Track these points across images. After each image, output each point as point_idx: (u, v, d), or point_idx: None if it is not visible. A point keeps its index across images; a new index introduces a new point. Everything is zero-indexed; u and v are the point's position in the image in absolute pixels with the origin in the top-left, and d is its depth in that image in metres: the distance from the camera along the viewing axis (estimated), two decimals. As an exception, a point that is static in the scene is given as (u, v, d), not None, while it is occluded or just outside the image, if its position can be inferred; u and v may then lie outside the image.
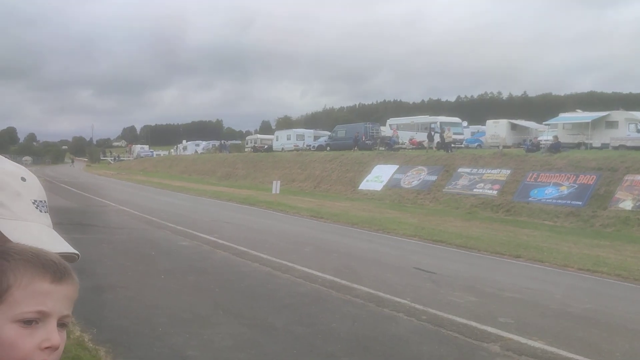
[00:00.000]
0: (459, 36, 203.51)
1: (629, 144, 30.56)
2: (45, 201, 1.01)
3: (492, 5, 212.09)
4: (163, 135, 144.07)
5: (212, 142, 77.17)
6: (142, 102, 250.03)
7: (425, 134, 40.67)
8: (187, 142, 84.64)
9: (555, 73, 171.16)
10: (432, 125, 38.65)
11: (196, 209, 21.80)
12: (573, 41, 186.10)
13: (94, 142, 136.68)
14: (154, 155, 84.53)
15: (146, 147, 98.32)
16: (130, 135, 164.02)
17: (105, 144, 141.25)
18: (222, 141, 73.75)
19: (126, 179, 46.30)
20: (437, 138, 35.30)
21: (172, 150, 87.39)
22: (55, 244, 0.94)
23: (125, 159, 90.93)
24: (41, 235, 0.92)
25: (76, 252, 0.96)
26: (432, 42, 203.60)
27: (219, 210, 21.70)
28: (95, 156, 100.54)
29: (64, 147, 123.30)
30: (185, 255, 11.08)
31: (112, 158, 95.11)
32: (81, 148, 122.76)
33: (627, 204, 19.23)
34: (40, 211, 0.98)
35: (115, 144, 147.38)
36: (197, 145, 77.95)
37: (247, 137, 72.79)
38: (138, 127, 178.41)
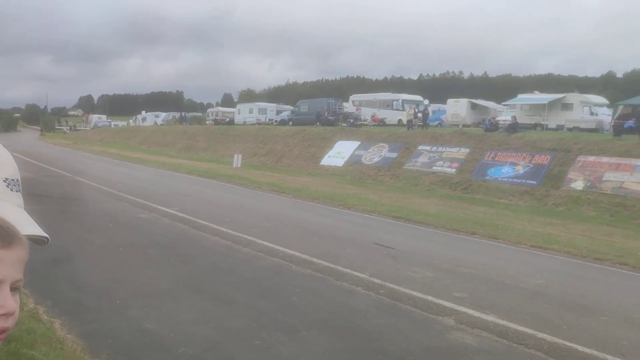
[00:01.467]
0: (426, 17, 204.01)
1: (582, 126, 31.57)
2: (18, 180, 0.95)
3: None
4: (121, 105, 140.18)
5: (172, 114, 75.60)
6: (100, 70, 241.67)
7: (388, 110, 40.97)
8: (146, 113, 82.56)
9: (516, 55, 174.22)
10: (417, 104, 38.69)
11: (155, 181, 21.46)
12: (536, 25, 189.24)
13: (49, 111, 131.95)
14: (112, 126, 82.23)
15: (104, 117, 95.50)
16: (87, 105, 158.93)
17: (60, 113, 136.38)
18: (183, 113, 72.26)
19: (83, 150, 45.01)
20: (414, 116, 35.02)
21: (130, 121, 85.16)
22: (25, 225, 0.90)
23: (81, 128, 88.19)
24: (10, 215, 0.89)
25: (46, 235, 0.93)
26: (400, 21, 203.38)
27: (178, 183, 21.42)
28: (50, 125, 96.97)
29: (16, 114, 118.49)
30: (144, 228, 10.93)
31: (68, 127, 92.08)
32: (35, 116, 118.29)
33: (579, 184, 19.94)
34: (12, 190, 0.93)
35: (72, 113, 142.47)
36: (157, 116, 76.19)
37: (209, 110, 71.62)
38: (95, 97, 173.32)
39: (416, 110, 34.80)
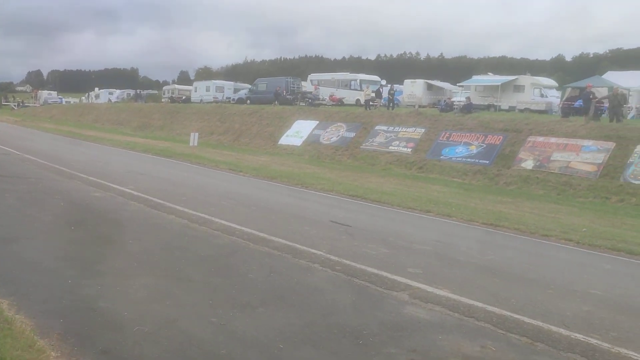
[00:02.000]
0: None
1: (533, 107, 32.52)
2: None
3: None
4: (73, 81, 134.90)
5: (127, 91, 73.49)
6: (50, 45, 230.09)
7: (346, 90, 41.01)
8: (99, 90, 79.95)
9: (472, 37, 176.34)
10: (382, 84, 38.61)
11: (110, 160, 20.93)
12: (492, 8, 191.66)
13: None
14: (63, 102, 79.33)
15: (54, 93, 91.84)
16: (37, 81, 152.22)
17: (7, 89, 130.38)
18: (138, 90, 70.48)
19: (32, 127, 43.29)
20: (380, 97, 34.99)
21: (83, 97, 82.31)
22: None
23: (30, 105, 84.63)
24: None
25: None
26: (359, 1, 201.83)
27: (134, 161, 20.96)
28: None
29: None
30: (97, 207, 10.69)
31: (15, 104, 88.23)
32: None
33: (529, 164, 20.61)
34: None
35: (19, 88, 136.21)
36: (111, 93, 73.94)
37: (165, 87, 69.92)
38: (45, 72, 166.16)
39: (382, 90, 34.87)
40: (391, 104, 32.96)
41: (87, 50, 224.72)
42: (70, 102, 79.88)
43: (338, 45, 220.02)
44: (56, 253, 7.24)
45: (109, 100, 69.64)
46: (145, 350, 4.48)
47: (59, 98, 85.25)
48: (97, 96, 75.92)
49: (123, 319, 5.10)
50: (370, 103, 33.55)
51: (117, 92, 74.19)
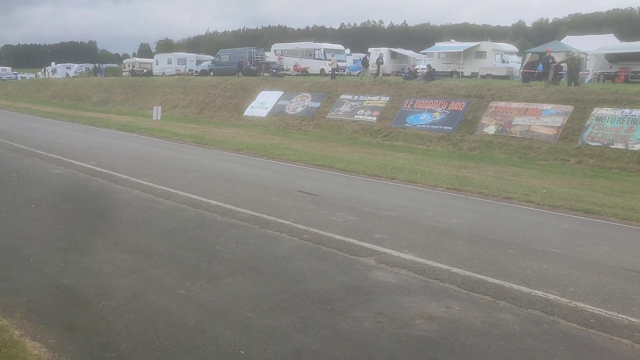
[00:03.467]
0: None
1: (495, 73, 32.92)
2: None
3: None
4: (28, 56, 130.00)
5: (85, 65, 71.20)
6: (2, 18, 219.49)
7: (311, 60, 40.63)
8: (56, 64, 77.24)
9: (434, 5, 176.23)
10: (370, 52, 38.03)
11: (70, 136, 20.37)
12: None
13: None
14: (19, 78, 76.41)
15: (8, 69, 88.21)
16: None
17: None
18: (97, 64, 68.28)
19: (-16, 104, 41.70)
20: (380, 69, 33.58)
21: (39, 73, 79.40)
22: None
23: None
24: None
25: None
26: None
27: (95, 137, 20.45)
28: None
29: None
30: (58, 184, 10.44)
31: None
32: None
33: (491, 129, 20.95)
34: None
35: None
36: (69, 68, 71.55)
37: (125, 61, 67.98)
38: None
39: (369, 59, 34.49)
40: (380, 75, 32.13)
41: (42, 23, 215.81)
42: (25, 77, 76.98)
43: (302, 15, 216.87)
44: (16, 232, 7.07)
45: (67, 75, 67.40)
46: (112, 325, 4.46)
47: (14, 74, 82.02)
48: (54, 71, 73.35)
49: (88, 295, 5.05)
50: (336, 72, 33.36)
51: (75, 66, 71.83)
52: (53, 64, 78.69)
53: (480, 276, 6.14)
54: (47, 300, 4.90)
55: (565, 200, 11.47)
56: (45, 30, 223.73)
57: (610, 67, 28.27)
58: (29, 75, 79.39)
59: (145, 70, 53.63)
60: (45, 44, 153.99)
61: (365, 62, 34.72)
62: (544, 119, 19.96)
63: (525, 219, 9.90)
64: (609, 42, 32.57)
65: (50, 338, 4.18)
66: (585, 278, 6.34)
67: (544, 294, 5.68)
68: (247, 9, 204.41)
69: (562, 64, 24.55)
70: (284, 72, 38.60)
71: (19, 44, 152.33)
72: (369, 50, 41.94)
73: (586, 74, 29.34)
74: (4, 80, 74.23)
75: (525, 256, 7.16)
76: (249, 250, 6.77)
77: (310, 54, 41.64)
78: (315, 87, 29.57)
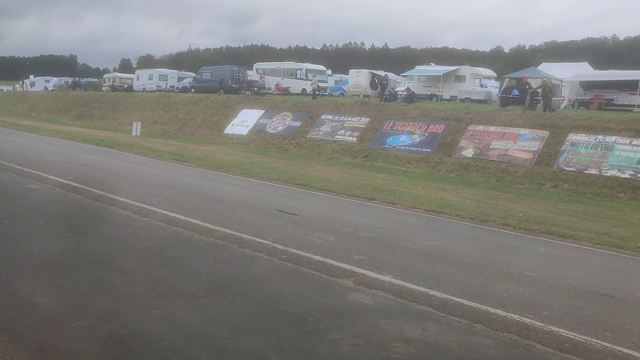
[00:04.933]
0: None
1: (473, 97, 33.50)
2: None
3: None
4: (6, 69, 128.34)
5: (64, 79, 70.47)
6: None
7: (292, 79, 40.84)
8: (35, 77, 76.37)
9: (415, 29, 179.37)
10: (377, 73, 36.96)
11: (47, 150, 20.07)
12: (438, 1, 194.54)
13: None
14: (-5, 90, 75.35)
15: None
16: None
17: None
18: (76, 78, 67.67)
19: (-42, 116, 40.94)
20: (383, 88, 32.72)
21: (17, 85, 78.33)
22: None
23: (-44, 93, 79.84)
24: None
25: None
26: None
27: (73, 152, 20.19)
28: None
29: None
30: (33, 199, 10.26)
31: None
32: None
33: (469, 152, 21.24)
34: None
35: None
36: (47, 81, 70.73)
37: (105, 75, 67.62)
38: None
39: (376, 80, 33.52)
40: (384, 95, 31.14)
41: (23, 36, 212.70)
42: (2, 90, 75.89)
43: (287, 35, 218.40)
44: (-12, 248, 6.91)
45: (45, 88, 66.60)
46: (85, 346, 4.36)
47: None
48: (32, 84, 72.40)
49: (61, 314, 4.94)
50: (317, 92, 33.57)
51: (54, 79, 71.03)
52: (31, 76, 77.74)
53: (457, 299, 6.17)
54: (18, 319, 4.78)
55: (541, 224, 11.65)
56: (25, 43, 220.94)
57: (585, 94, 29.01)
58: (6, 88, 78.28)
59: (125, 86, 53.33)
60: (24, 57, 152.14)
61: (373, 84, 33.77)
62: (521, 143, 20.32)
63: (501, 242, 10.01)
64: (583, 70, 33.46)
65: (20, 359, 4.08)
66: (559, 302, 6.42)
67: (520, 317, 5.73)
68: (234, 27, 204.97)
69: (537, 90, 25.12)
70: (266, 91, 38.73)
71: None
72: (350, 71, 42.40)
73: (561, 100, 30.03)
74: (-20, 92, 73.09)
75: (502, 279, 7.23)
76: (227, 269, 6.71)
77: (292, 74, 41.89)
78: (296, 107, 29.70)
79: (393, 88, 35.97)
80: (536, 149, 19.81)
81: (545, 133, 20.20)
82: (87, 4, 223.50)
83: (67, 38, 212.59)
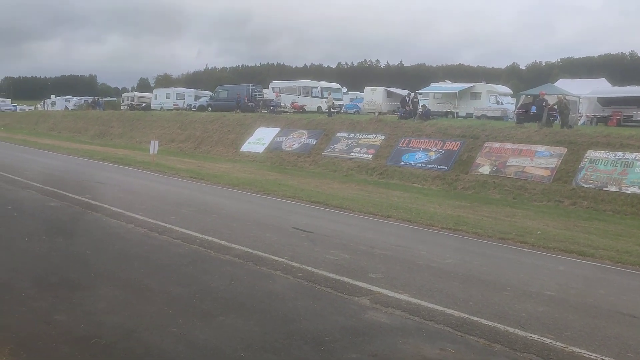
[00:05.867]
0: (352, 10, 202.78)
1: (489, 114, 33.35)
2: None
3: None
4: (28, 88, 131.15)
5: (84, 98, 71.86)
6: (4, 51, 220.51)
7: (308, 97, 41.09)
8: (56, 97, 77.99)
9: (430, 46, 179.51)
10: (408, 93, 35.27)
11: (67, 169, 20.38)
12: (451, 19, 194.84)
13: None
14: (17, 110, 76.94)
15: (8, 100, 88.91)
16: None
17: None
18: (96, 97, 68.97)
19: (-18, 135, 41.82)
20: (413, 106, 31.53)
21: (38, 105, 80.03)
22: None
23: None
24: None
25: None
26: (327, 13, 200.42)
27: (92, 170, 20.47)
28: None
29: None
30: (53, 217, 10.41)
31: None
32: None
33: (485, 169, 21.11)
34: None
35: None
36: (68, 101, 72.18)
37: (124, 95, 68.71)
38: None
39: (409, 99, 32.48)
40: (415, 114, 30.04)
41: (43, 56, 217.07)
42: (25, 109, 77.50)
43: (303, 54, 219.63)
44: (8, 265, 7.01)
45: (66, 107, 67.91)
46: (103, 363, 4.38)
47: (13, 105, 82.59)
48: (53, 103, 73.94)
49: (79, 332, 4.97)
50: (332, 110, 33.73)
51: (74, 99, 72.47)
52: (52, 96, 79.39)
53: (475, 318, 6.09)
54: (37, 336, 4.83)
55: (560, 242, 11.49)
56: (48, 64, 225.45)
57: (603, 110, 28.71)
58: (28, 107, 79.93)
59: (143, 104, 54.12)
60: (46, 77, 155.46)
61: (404, 102, 32.70)
62: (538, 160, 20.16)
63: (519, 260, 9.89)
64: (601, 86, 33.17)
65: (38, 376, 4.11)
66: (580, 322, 6.31)
67: (540, 337, 5.63)
68: (252, 46, 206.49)
69: (554, 106, 24.95)
70: (282, 109, 39.03)
71: (19, 76, 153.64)
72: (365, 89, 42.54)
73: (579, 116, 29.77)
74: (3, 111, 74.67)
75: (520, 298, 7.12)
76: (243, 287, 6.71)
77: (308, 92, 42.17)
78: (312, 125, 29.85)
79: (408, 105, 35.93)
80: (554, 166, 19.62)
81: (563, 150, 20.02)
82: (110, 26, 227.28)
83: (88, 58, 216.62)
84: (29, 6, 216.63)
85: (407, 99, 33.23)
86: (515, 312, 6.44)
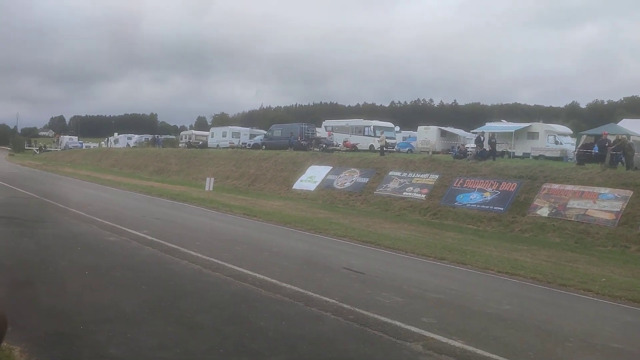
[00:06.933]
0: (407, 51, 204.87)
1: (547, 154, 32.45)
2: None
3: (456, 16, 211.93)
4: (94, 127, 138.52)
5: (145, 136, 75.19)
6: (73, 92, 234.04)
7: (360, 136, 41.32)
8: (118, 134, 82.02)
9: (485, 86, 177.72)
10: (481, 132, 35.34)
11: (126, 204, 21.14)
12: (507, 59, 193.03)
13: (19, 131, 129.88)
14: (83, 147, 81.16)
15: (75, 138, 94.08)
16: (59, 126, 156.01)
17: (31, 133, 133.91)
18: (156, 135, 71.98)
19: (52, 171, 44.13)
20: (485, 145, 31.26)
21: (102, 142, 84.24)
22: None
23: (52, 149, 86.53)
24: None
25: None
26: (382, 54, 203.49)
27: (149, 205, 21.15)
28: (20, 145, 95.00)
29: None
30: (111, 251, 10.74)
31: (37, 148, 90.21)
32: (4, 137, 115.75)
33: (544, 211, 20.38)
34: None
35: (42, 133, 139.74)
36: (129, 138, 75.77)
37: (182, 133, 71.49)
38: (67, 118, 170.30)
39: (484, 139, 31.87)
40: (494, 155, 29.58)
41: (110, 97, 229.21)
42: (90, 146, 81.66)
43: (357, 93, 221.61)
44: (69, 298, 7.25)
45: (128, 144, 71.10)
46: (154, 400, 4.41)
47: (80, 143, 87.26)
48: (116, 141, 77.67)
49: (132, 367, 5.04)
50: (385, 149, 33.76)
51: (136, 137, 75.89)
52: (116, 134, 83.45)
53: (535, 370, 5.79)
54: (92, 370, 4.93)
55: (627, 290, 10.85)
56: (113, 103, 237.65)
57: (670, 151, 27.37)
58: (93, 145, 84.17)
59: (200, 142, 55.94)
60: (110, 115, 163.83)
61: (479, 141, 32.11)
62: (602, 203, 19.31)
63: (583, 309, 9.39)
64: (668, 126, 31.75)
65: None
66: (651, 379, 5.88)
67: (606, 394, 5.28)
68: (307, 86, 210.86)
69: (615, 146, 24.03)
70: (334, 147, 39.37)
71: (86, 115, 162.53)
72: (419, 128, 42.43)
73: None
74: (71, 149, 78.89)
75: (584, 350, 6.73)
76: (293, 328, 6.66)
77: (360, 131, 42.45)
78: (364, 163, 29.89)
79: (463, 145, 35.51)
80: (619, 209, 18.74)
81: (628, 192, 19.12)
82: (174, 67, 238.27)
83: (151, 98, 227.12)
84: (100, 51, 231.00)
85: (482, 139, 32.31)
86: (579, 365, 6.08)
